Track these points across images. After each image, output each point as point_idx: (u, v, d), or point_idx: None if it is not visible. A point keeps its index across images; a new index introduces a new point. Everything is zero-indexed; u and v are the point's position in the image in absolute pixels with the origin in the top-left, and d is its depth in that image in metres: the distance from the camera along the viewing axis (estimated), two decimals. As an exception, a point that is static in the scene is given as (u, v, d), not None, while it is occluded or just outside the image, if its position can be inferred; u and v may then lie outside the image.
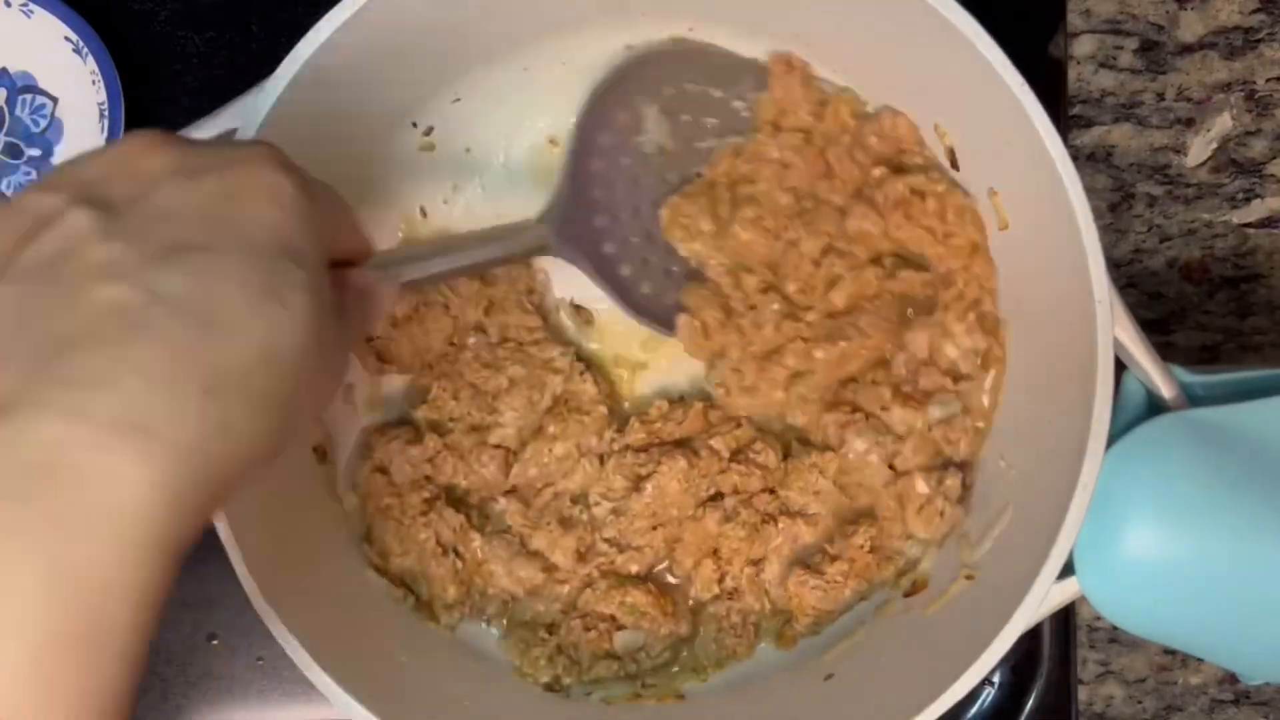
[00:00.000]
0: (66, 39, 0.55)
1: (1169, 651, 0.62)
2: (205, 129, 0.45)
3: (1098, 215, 0.43)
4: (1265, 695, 0.63)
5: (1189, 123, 0.62)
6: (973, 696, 0.55)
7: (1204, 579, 0.44)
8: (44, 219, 0.30)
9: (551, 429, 0.51)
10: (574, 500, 0.51)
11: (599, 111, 0.51)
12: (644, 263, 0.52)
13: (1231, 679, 0.62)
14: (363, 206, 0.52)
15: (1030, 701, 0.56)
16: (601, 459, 0.51)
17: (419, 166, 0.53)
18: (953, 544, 0.49)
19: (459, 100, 0.52)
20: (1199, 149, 0.62)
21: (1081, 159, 0.61)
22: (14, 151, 0.57)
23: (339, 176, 0.50)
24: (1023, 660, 0.56)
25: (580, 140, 0.51)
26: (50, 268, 0.29)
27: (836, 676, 0.48)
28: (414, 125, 0.52)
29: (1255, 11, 0.62)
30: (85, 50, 0.55)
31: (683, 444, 0.51)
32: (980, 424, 0.50)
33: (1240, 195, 0.62)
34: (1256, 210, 0.62)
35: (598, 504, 0.51)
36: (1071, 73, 0.61)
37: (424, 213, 0.53)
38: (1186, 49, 0.62)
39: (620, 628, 0.50)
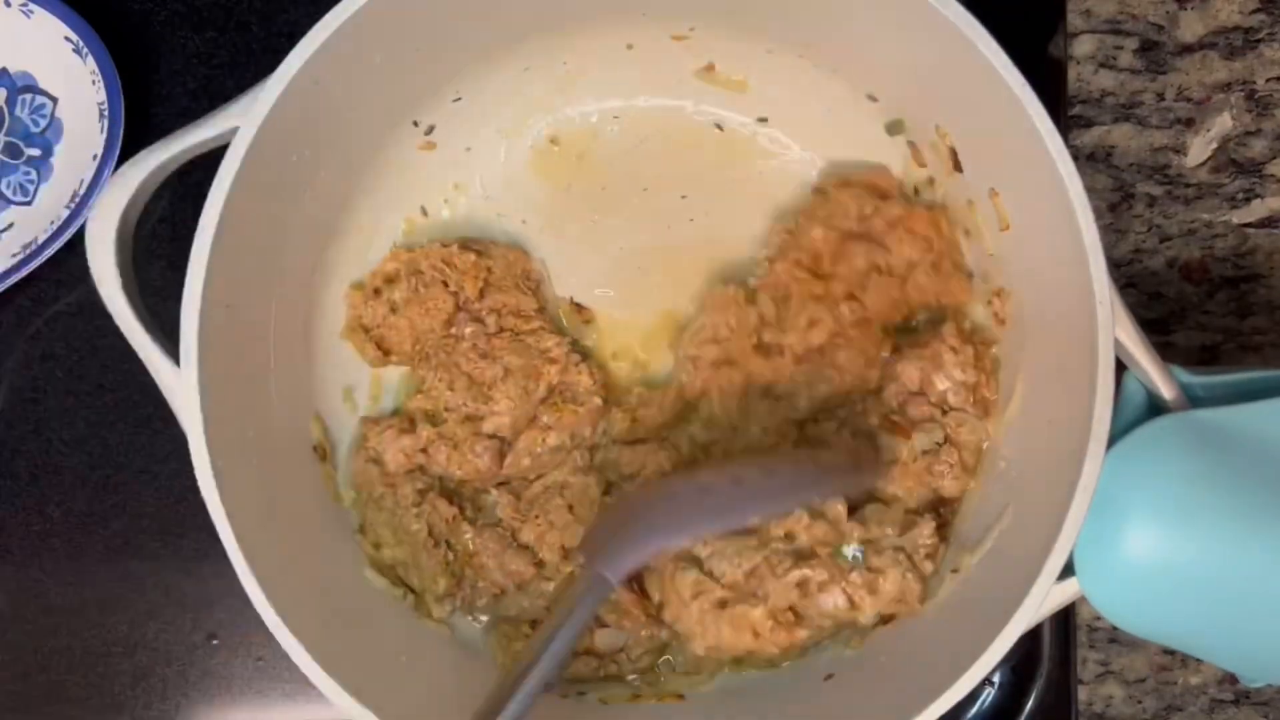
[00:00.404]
0: (66, 39, 0.55)
1: (1169, 651, 0.62)
2: (205, 129, 0.45)
3: (1098, 215, 0.43)
4: (1265, 695, 0.63)
5: (1189, 123, 0.62)
6: (973, 696, 0.55)
7: (1204, 580, 0.44)
8: None
9: (545, 419, 0.51)
10: (562, 495, 0.51)
11: None
12: None
13: (1231, 679, 0.62)
14: (363, 206, 0.52)
15: (1030, 701, 0.56)
16: (592, 451, 0.51)
17: (419, 166, 0.53)
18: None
19: (460, 100, 0.52)
20: (1199, 149, 0.62)
21: (1081, 159, 0.61)
22: (14, 151, 0.57)
23: (339, 176, 0.51)
24: (1023, 660, 0.56)
25: None
26: None
27: (836, 676, 0.48)
28: (415, 125, 0.52)
29: (1255, 11, 0.62)
30: (85, 50, 0.54)
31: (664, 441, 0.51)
32: (970, 460, 0.49)
33: (1240, 195, 0.62)
34: (1256, 210, 0.62)
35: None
36: (1071, 73, 0.61)
37: (424, 212, 0.53)
38: (1186, 49, 0.62)
39: (603, 625, 0.50)
